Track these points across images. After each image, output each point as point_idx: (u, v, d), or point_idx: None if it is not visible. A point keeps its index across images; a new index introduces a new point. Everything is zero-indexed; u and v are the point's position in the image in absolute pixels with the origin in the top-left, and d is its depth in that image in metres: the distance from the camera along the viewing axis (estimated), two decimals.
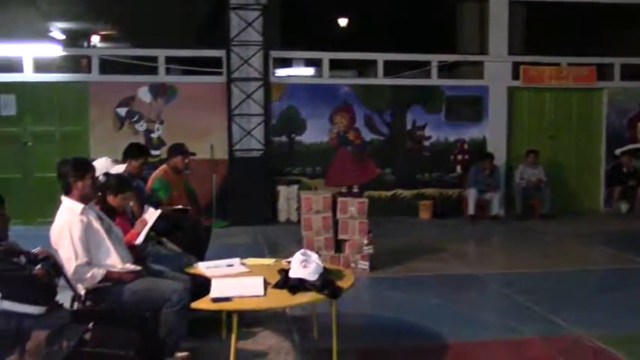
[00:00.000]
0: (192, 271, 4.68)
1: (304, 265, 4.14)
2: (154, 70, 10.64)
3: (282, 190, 10.65)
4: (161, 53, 10.61)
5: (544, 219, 10.66)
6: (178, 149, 6.35)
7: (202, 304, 3.92)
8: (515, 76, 11.46)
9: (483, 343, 4.94)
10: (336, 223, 7.12)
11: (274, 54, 10.83)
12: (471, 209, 10.58)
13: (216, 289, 4.02)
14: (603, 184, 11.89)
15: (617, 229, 10.04)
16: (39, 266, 3.32)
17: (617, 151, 11.67)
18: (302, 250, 4.36)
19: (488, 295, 6.51)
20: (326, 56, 11.05)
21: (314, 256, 4.27)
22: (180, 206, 5.91)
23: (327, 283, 4.10)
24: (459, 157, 11.42)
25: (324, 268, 4.23)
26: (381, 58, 11.17)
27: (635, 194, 11.35)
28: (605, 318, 5.46)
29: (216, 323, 4.81)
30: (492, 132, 11.45)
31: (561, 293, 6.36)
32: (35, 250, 3.47)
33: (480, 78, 11.46)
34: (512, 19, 11.45)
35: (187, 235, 5.70)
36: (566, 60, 11.65)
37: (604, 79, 11.79)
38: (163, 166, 6.39)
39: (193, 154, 6.54)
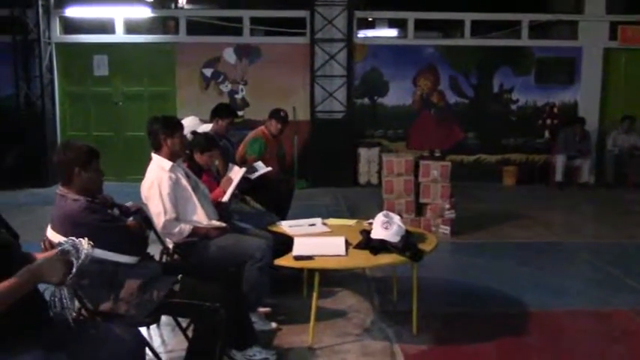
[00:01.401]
0: (275, 229, 4.74)
1: (386, 227, 4.10)
2: (238, 31, 10.74)
3: (363, 152, 10.62)
4: (246, 14, 10.70)
5: (637, 188, 10.15)
6: (274, 114, 6.58)
7: (285, 261, 3.98)
8: (613, 36, 10.84)
9: (570, 312, 4.79)
10: (417, 186, 7.05)
11: (358, 14, 10.68)
12: (558, 175, 10.23)
13: (299, 248, 4.07)
14: None
15: None
16: (131, 218, 3.45)
17: None
18: (384, 212, 4.33)
19: (575, 264, 6.28)
20: (411, 16, 10.82)
21: (396, 217, 4.23)
22: (259, 163, 6.02)
23: (409, 245, 4.06)
24: (548, 121, 10.99)
25: (407, 231, 4.19)
26: (468, 17, 10.83)
27: None
28: None
29: (297, 281, 4.90)
30: (585, 96, 10.94)
31: None
32: (128, 204, 3.61)
33: (574, 38, 10.93)
34: None
35: (270, 194, 5.81)
36: None
37: None
38: (262, 127, 6.61)
39: (286, 123, 6.62)
